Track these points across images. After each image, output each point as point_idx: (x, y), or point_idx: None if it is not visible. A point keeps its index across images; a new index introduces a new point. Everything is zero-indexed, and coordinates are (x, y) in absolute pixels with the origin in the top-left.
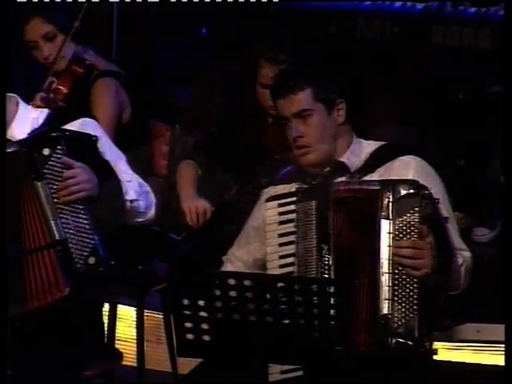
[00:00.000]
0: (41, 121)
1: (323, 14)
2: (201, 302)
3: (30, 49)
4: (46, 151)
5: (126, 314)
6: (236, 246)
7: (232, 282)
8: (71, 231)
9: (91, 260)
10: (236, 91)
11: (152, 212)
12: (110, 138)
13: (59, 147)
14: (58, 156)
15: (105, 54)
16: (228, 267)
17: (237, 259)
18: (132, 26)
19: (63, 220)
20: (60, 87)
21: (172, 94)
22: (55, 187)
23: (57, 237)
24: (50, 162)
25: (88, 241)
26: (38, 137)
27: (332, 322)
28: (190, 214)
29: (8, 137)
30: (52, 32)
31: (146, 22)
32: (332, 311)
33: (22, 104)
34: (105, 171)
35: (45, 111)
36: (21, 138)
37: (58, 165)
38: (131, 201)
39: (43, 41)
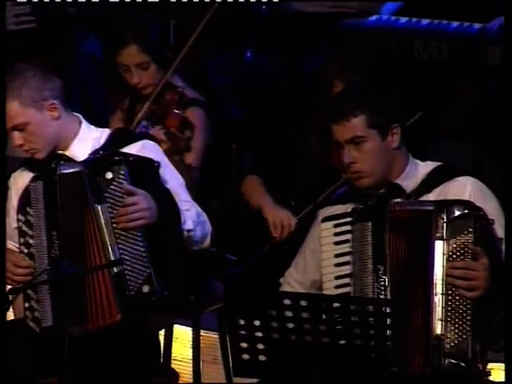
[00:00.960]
0: (102, 141)
1: (379, 34)
2: (257, 322)
3: (122, 71)
4: (109, 175)
5: (183, 334)
6: (293, 268)
7: (288, 302)
8: (127, 257)
9: (145, 288)
10: (306, 110)
11: (207, 241)
12: (198, 165)
13: (122, 172)
14: (121, 181)
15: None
16: (286, 289)
17: (294, 281)
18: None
19: (120, 245)
20: (174, 127)
21: (227, 113)
22: (115, 212)
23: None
24: (112, 187)
25: (143, 269)
26: (101, 159)
27: (388, 343)
28: (275, 225)
29: (69, 155)
30: (146, 62)
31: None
32: (388, 332)
33: (84, 123)
34: (165, 199)
35: (106, 131)
36: (82, 157)
37: (119, 189)
38: (188, 230)
39: (136, 68)
